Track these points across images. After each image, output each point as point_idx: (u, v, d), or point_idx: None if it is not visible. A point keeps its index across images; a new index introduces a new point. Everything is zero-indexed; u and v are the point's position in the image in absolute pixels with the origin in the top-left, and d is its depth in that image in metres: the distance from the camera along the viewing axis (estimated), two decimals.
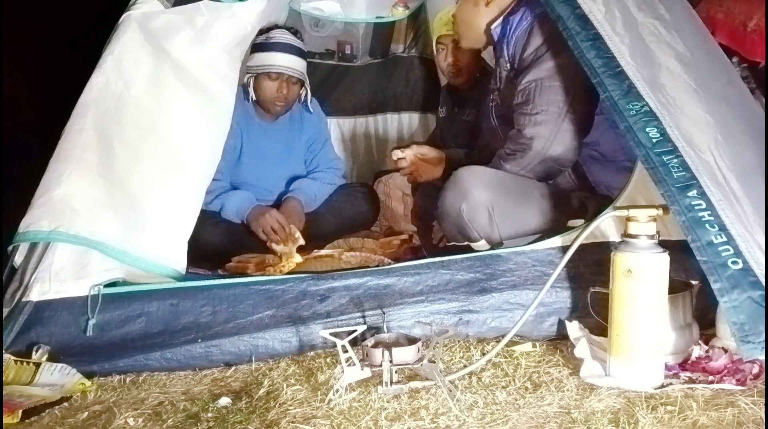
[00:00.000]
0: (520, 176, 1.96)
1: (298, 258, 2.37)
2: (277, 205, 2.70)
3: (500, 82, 2.13)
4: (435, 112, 3.33)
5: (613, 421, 1.29)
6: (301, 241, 2.46)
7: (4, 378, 1.57)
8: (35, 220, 1.72)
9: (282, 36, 2.71)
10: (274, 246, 2.47)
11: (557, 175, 2.02)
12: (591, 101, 1.95)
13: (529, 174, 1.96)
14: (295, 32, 2.80)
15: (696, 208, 1.43)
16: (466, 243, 1.91)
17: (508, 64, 2.07)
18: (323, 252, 2.47)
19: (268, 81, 2.68)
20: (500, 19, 2.07)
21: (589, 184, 2.05)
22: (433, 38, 2.99)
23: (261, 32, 2.61)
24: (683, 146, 1.53)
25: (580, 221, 1.85)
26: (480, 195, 1.86)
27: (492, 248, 1.88)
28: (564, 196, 1.99)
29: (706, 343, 1.57)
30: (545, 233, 1.87)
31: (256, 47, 2.65)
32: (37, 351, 1.64)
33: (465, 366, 1.56)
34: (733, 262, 1.37)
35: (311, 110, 2.89)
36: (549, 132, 1.92)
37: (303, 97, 2.84)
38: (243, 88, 2.71)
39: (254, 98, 2.73)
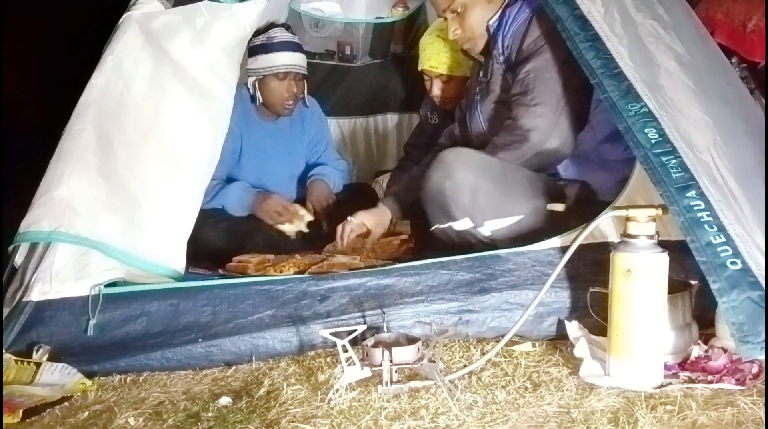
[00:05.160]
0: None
1: (307, 216, 2.58)
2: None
3: (491, 73, 2.14)
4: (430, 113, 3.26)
5: (613, 421, 1.29)
6: (309, 217, 2.58)
7: (4, 378, 1.57)
8: (36, 220, 1.73)
9: (282, 35, 2.69)
10: (284, 226, 2.57)
11: (550, 168, 2.02)
12: (586, 97, 1.96)
13: (523, 165, 1.95)
14: (287, 28, 2.77)
15: (695, 208, 1.44)
16: (448, 223, 1.89)
17: (502, 57, 2.08)
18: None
19: (277, 82, 2.66)
20: (498, 12, 2.09)
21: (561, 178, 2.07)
22: (418, 64, 2.71)
23: (258, 32, 2.58)
24: (682, 147, 1.53)
25: (560, 206, 1.86)
26: (464, 175, 1.85)
27: (491, 247, 1.87)
28: (545, 181, 2.00)
29: (706, 343, 1.57)
30: (527, 217, 1.88)
31: (258, 49, 2.63)
32: (37, 351, 1.65)
33: (465, 365, 1.56)
34: (732, 263, 1.37)
35: (308, 105, 2.87)
36: (547, 124, 1.92)
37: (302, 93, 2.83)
38: (247, 90, 2.71)
39: (261, 101, 2.71)
